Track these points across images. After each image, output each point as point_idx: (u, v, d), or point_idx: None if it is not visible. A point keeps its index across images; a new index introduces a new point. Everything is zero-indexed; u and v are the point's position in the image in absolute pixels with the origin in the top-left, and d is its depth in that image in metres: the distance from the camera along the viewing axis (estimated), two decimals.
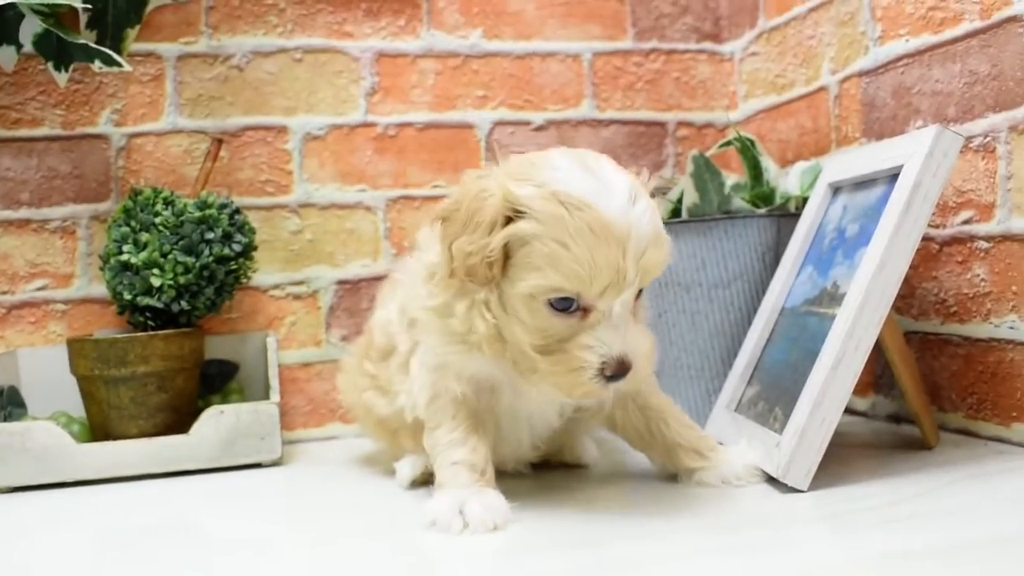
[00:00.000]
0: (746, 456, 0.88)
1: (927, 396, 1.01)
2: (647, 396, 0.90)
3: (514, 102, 1.36)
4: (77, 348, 1.07)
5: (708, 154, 1.13)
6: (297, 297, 1.28)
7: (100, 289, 1.21)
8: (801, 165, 1.17)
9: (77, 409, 1.14)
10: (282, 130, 1.28)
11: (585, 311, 0.75)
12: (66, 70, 1.13)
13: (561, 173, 0.75)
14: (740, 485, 0.86)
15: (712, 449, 0.90)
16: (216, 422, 1.07)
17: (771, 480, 0.86)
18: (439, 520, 0.76)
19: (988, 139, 0.96)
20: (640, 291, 0.77)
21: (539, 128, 1.36)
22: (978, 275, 0.99)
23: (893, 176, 0.89)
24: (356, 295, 1.29)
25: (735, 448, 0.90)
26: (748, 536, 0.72)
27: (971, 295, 1.00)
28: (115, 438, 1.07)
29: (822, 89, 1.24)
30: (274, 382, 1.15)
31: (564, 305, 0.75)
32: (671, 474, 0.91)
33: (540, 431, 0.91)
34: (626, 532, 0.75)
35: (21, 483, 1.03)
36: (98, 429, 1.09)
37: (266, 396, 1.17)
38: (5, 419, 1.10)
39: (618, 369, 0.74)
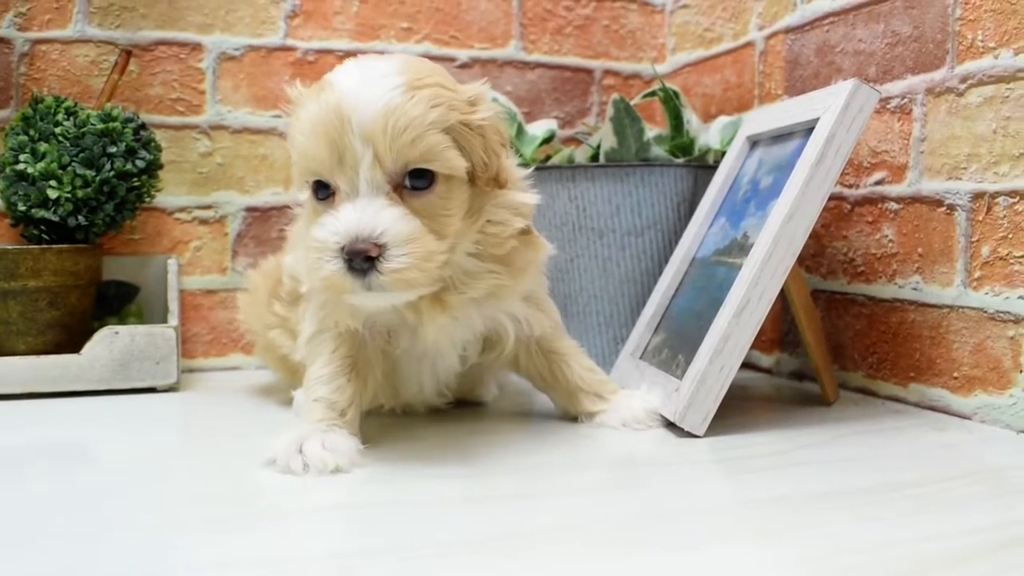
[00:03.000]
0: (646, 400, 0.87)
1: (830, 354, 1.02)
2: (551, 340, 0.89)
3: (439, 37, 1.33)
4: None
5: (632, 103, 1.11)
6: (204, 222, 1.24)
7: None
8: (723, 119, 1.17)
9: None
10: (196, 47, 1.23)
11: (335, 195, 0.72)
12: None
13: (340, 68, 0.75)
14: (639, 428, 0.86)
15: (613, 392, 0.89)
16: (110, 343, 1.04)
17: (670, 425, 0.86)
18: (279, 459, 0.72)
19: (905, 100, 0.97)
20: (428, 179, 0.71)
21: (463, 66, 1.34)
22: (886, 236, 1.00)
23: (809, 130, 0.89)
24: (265, 223, 1.25)
25: (636, 392, 0.89)
26: (638, 473, 0.72)
27: (878, 255, 1.01)
28: (2, 354, 1.03)
29: (749, 44, 1.24)
30: (173, 306, 1.12)
31: (322, 194, 0.73)
32: (572, 416, 0.90)
33: (444, 376, 0.89)
34: (510, 465, 0.74)
35: None
36: None
37: (165, 321, 1.14)
38: None
39: (353, 249, 0.68)
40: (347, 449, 0.73)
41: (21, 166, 1.04)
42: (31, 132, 1.05)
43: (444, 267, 0.74)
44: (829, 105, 0.87)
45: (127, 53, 1.13)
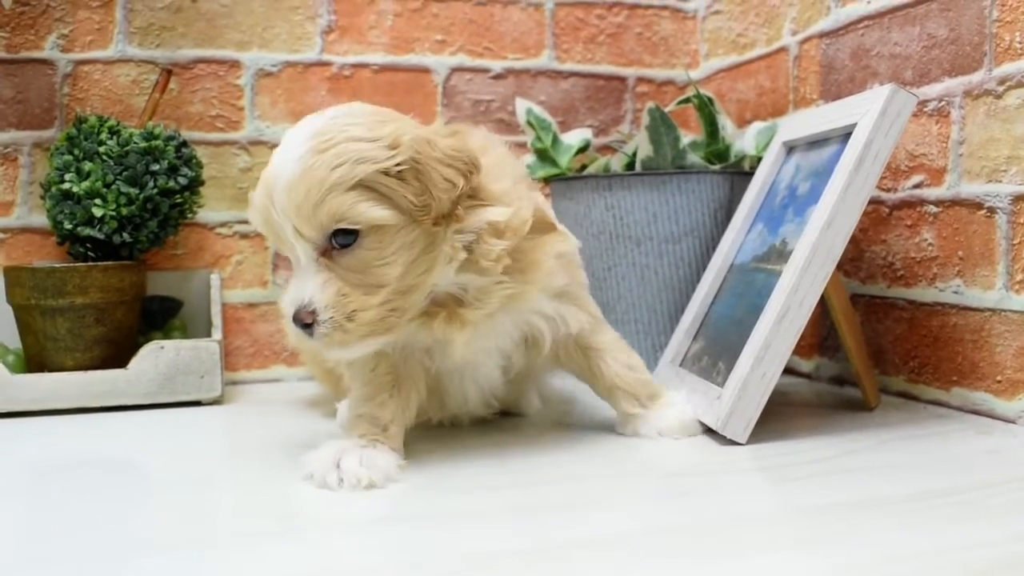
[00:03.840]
0: (684, 411, 0.87)
1: (870, 358, 1.02)
2: (588, 335, 0.88)
3: (473, 48, 1.34)
4: (14, 276, 1.05)
5: (667, 110, 1.12)
6: (244, 236, 1.25)
7: (41, 219, 1.18)
8: (758, 125, 1.17)
9: (13, 340, 1.11)
10: (234, 64, 1.25)
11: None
12: None
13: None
14: (676, 439, 0.86)
15: (651, 397, 0.89)
16: (155, 358, 1.05)
17: (711, 432, 0.86)
18: (315, 473, 0.73)
19: (943, 103, 0.96)
20: (352, 236, 0.72)
21: (497, 76, 1.35)
22: (926, 239, 0.99)
23: (846, 135, 0.89)
24: None
25: (676, 398, 0.89)
26: (682, 483, 0.72)
27: (918, 259, 1.00)
28: (51, 370, 1.05)
29: (782, 50, 1.24)
30: (217, 320, 1.13)
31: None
32: (606, 427, 0.91)
33: (487, 386, 0.89)
34: (553, 475, 0.75)
35: None
36: (34, 360, 1.07)
37: (209, 334, 1.15)
38: None
39: (295, 319, 0.73)
40: (385, 465, 0.74)
41: (67, 185, 1.06)
42: (76, 152, 1.08)
43: (400, 312, 0.75)
44: (866, 110, 0.87)
45: (168, 72, 1.15)
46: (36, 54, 1.20)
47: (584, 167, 1.18)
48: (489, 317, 0.79)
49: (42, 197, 1.10)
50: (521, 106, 1.20)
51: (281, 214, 0.72)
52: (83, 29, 1.21)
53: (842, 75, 1.12)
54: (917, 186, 1.00)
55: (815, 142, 0.97)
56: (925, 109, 0.99)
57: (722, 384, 0.86)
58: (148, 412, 1.04)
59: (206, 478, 0.79)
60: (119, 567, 0.56)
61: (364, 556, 0.57)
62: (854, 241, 1.09)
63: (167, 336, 1.17)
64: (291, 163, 0.71)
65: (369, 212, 0.71)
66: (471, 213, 0.76)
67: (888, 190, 1.04)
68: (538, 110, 1.20)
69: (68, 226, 1.06)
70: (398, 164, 0.72)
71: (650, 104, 1.10)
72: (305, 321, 0.72)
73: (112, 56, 1.22)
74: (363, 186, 0.71)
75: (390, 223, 0.72)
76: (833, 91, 1.13)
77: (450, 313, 0.78)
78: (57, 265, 1.05)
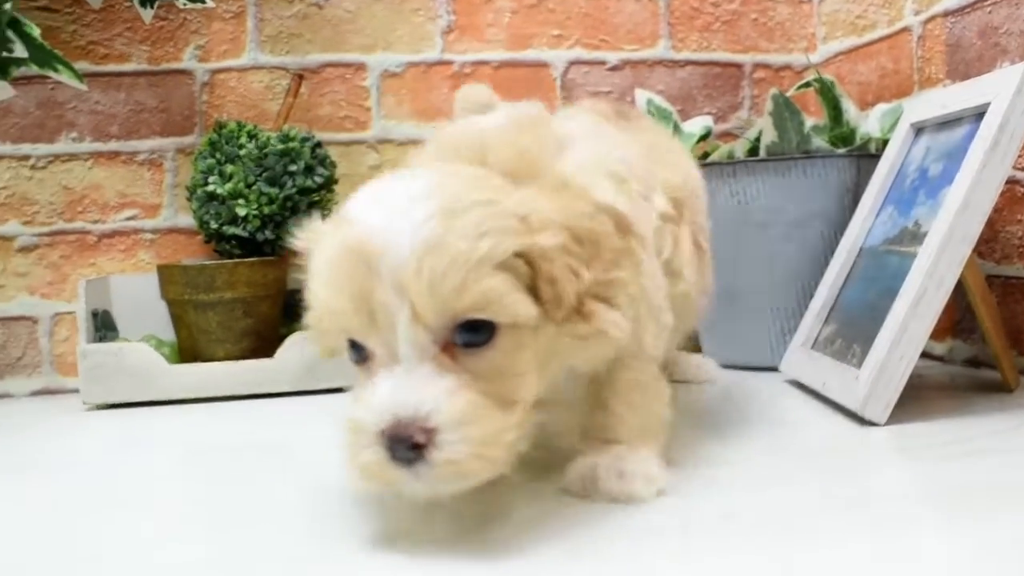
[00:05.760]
0: (604, 466, 0.64)
1: (1008, 339, 1.01)
2: (618, 368, 0.67)
3: (589, 41, 1.36)
4: (167, 274, 1.11)
5: (787, 94, 1.12)
6: None
7: (186, 219, 1.24)
8: (882, 107, 1.16)
9: (167, 333, 1.18)
10: (360, 67, 1.30)
11: (369, 358, 0.56)
12: (151, 7, 1.15)
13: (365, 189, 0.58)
14: (593, 496, 0.63)
15: (607, 442, 0.66)
16: (299, 348, 1.11)
17: (849, 414, 0.87)
18: None
19: None
20: (487, 333, 0.54)
21: (614, 68, 1.36)
22: None
23: (979, 115, 0.88)
24: None
25: (623, 455, 0.65)
26: (822, 464, 0.73)
27: None
28: (203, 361, 1.11)
29: (905, 30, 1.22)
30: None
31: (356, 355, 0.57)
32: (743, 409, 0.92)
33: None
34: (696, 457, 0.75)
35: (115, 400, 1.08)
36: (187, 352, 1.13)
37: None
38: (99, 341, 1.15)
39: (395, 435, 0.52)
40: None
41: (211, 187, 1.12)
42: (217, 155, 1.13)
43: (518, 442, 0.55)
44: (1000, 89, 0.86)
45: (300, 77, 1.20)
46: (176, 65, 1.27)
47: (707, 155, 1.19)
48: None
49: (188, 199, 1.17)
50: (641, 97, 1.22)
51: (394, 289, 0.52)
52: (218, 39, 1.27)
53: (969, 54, 1.10)
54: None
55: (945, 123, 0.96)
56: None
57: (858, 366, 0.87)
58: (293, 399, 1.09)
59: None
60: (262, 541, 0.59)
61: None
62: (988, 221, 1.06)
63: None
64: (412, 226, 0.52)
65: (519, 305, 0.54)
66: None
67: (1023, 168, 1.02)
68: (659, 100, 1.21)
69: (214, 225, 1.12)
70: (548, 245, 0.55)
71: (773, 90, 1.10)
72: (416, 441, 0.51)
73: (246, 64, 1.28)
74: (509, 267, 0.54)
75: (531, 322, 0.55)
76: (961, 70, 1.12)
77: None
78: (207, 262, 1.11)
